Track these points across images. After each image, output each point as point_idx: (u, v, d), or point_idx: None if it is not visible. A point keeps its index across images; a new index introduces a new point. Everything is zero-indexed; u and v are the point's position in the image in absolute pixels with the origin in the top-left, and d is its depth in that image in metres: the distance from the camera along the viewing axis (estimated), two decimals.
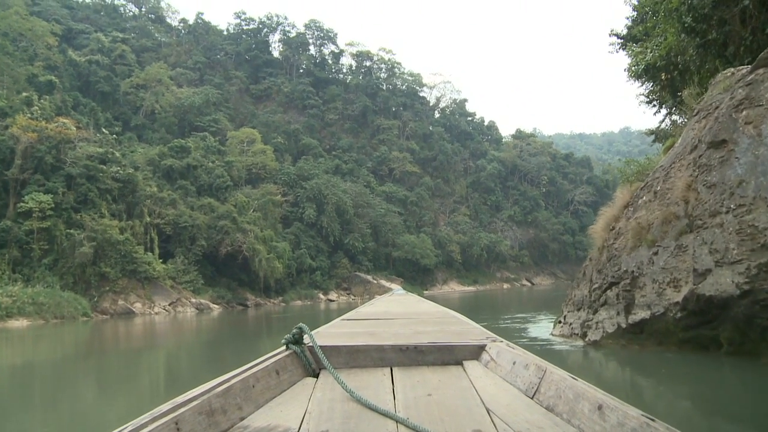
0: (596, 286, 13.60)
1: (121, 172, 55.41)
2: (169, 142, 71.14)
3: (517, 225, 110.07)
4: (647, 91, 17.10)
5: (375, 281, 77.62)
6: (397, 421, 2.25)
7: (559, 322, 16.38)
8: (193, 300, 55.10)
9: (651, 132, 19.11)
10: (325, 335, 3.94)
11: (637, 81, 16.33)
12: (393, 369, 3.16)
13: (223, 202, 64.69)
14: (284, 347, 3.11)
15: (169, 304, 52.93)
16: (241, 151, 78.81)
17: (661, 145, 17.36)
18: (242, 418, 2.30)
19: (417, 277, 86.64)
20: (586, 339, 13.56)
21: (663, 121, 18.09)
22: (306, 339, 3.17)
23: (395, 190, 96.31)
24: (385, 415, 2.31)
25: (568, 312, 15.70)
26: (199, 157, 69.23)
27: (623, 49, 18.74)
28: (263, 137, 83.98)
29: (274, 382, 2.71)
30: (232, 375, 2.53)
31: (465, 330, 4.27)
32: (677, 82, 12.22)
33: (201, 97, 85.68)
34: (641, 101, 17.70)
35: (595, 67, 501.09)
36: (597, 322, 13.32)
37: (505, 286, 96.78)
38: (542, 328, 19.31)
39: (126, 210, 55.65)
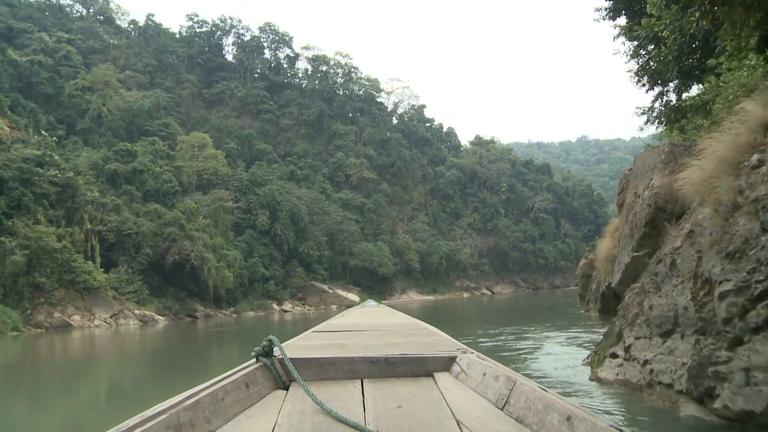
0: (727, 288, 6.70)
1: (59, 175, 52.15)
2: (115, 146, 67.68)
3: (477, 233, 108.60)
4: (639, 64, 14.96)
5: (331, 291, 75.39)
6: None
7: (614, 356, 9.71)
8: (137, 312, 52.05)
9: (643, 112, 16.89)
10: (295, 347, 3.84)
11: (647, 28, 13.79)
12: (363, 381, 3.11)
13: (170, 208, 61.58)
14: (254, 359, 3.04)
15: (111, 317, 49.81)
16: (191, 156, 75.84)
17: (653, 126, 15.28)
18: None
19: (375, 286, 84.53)
20: (714, 405, 6.67)
21: (657, 99, 16.00)
22: (276, 351, 3.09)
23: (352, 196, 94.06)
24: (354, 427, 2.27)
25: (636, 339, 8.98)
26: (147, 161, 65.88)
27: (611, 18, 16.52)
28: (215, 142, 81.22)
29: (243, 395, 2.63)
30: (201, 388, 2.44)
31: (436, 341, 4.27)
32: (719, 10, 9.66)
33: (151, 101, 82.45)
34: (630, 78, 15.63)
35: (552, 76, 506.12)
36: (745, 369, 6.31)
37: (465, 295, 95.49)
38: (557, 358, 13.74)
39: (65, 216, 52.47)
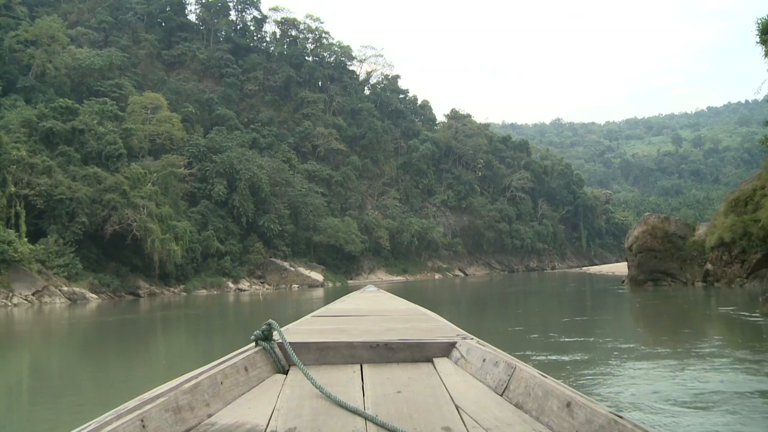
0: None
1: None
2: (54, 102, 60.77)
3: (451, 211, 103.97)
4: None
5: (293, 269, 69.58)
6: (366, 418, 2.22)
7: None
8: (65, 288, 45.58)
9: None
10: (294, 332, 3.86)
11: None
12: (363, 366, 3.12)
13: (113, 173, 54.96)
14: (253, 343, 3.03)
15: (33, 294, 43.34)
16: (144, 119, 69.12)
17: None
18: (210, 415, 2.25)
19: (341, 265, 79.37)
20: None
21: None
22: (275, 335, 3.07)
23: (318, 168, 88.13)
24: (354, 412, 2.28)
25: None
26: (93, 123, 59.08)
27: None
28: (172, 106, 74.59)
29: (242, 378, 2.65)
30: (200, 371, 2.49)
31: (436, 327, 4.26)
32: None
33: (103, 59, 75.28)
34: None
35: (527, 59, 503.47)
36: None
37: (437, 276, 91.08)
38: None
39: None
